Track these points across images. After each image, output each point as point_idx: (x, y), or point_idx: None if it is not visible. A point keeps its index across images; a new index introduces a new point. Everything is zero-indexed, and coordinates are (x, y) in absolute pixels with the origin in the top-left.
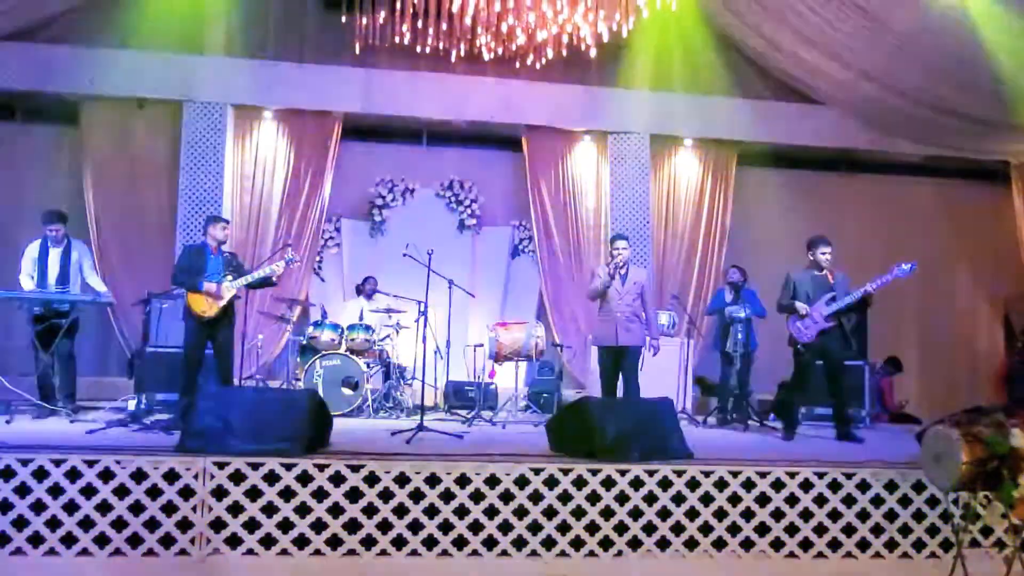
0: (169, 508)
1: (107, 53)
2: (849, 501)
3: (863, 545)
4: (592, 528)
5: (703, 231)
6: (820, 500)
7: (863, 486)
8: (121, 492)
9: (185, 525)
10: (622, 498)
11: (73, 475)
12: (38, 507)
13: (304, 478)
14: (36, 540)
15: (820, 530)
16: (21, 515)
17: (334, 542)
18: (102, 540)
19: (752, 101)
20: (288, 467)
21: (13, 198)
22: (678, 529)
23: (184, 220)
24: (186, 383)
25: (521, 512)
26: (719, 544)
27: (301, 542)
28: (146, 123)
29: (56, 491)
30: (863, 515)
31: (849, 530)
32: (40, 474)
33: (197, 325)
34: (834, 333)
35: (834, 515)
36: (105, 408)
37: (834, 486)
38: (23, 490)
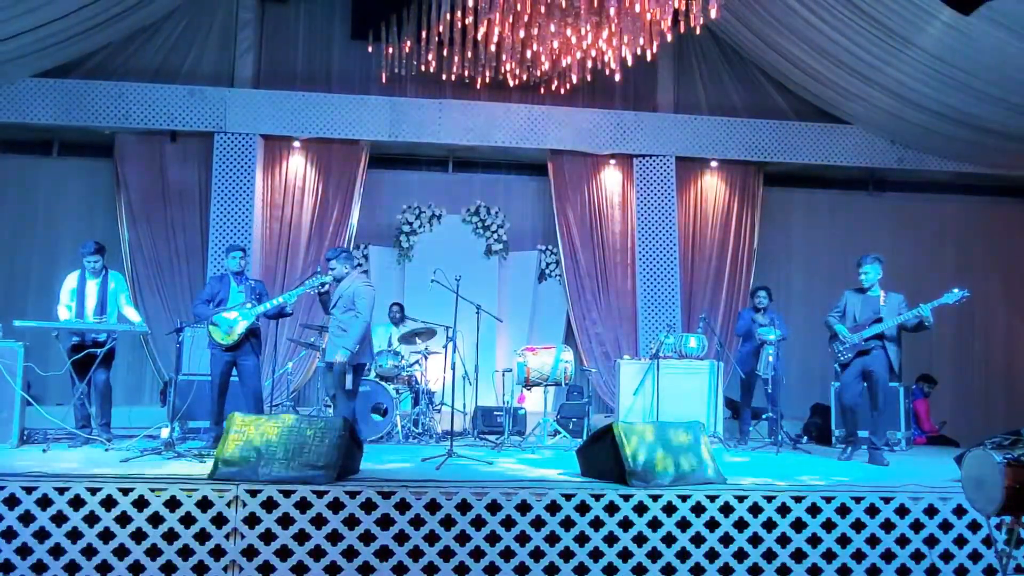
0: (202, 536)
1: (140, 87)
2: (888, 526)
3: (903, 572)
4: (625, 555)
5: (731, 253)
6: (858, 525)
7: (902, 511)
8: (155, 520)
9: (218, 553)
10: (655, 524)
11: (108, 503)
12: (74, 535)
13: (335, 505)
14: (72, 568)
15: (858, 556)
16: (58, 543)
17: (365, 570)
18: (136, 568)
19: (778, 122)
20: (319, 494)
21: (50, 230)
22: (712, 556)
23: (215, 249)
24: (215, 410)
25: (553, 539)
26: (755, 571)
27: (333, 570)
28: (178, 155)
29: (92, 519)
30: (902, 541)
31: (888, 556)
32: (76, 503)
33: (219, 353)
34: (876, 355)
35: (872, 541)
36: (139, 436)
37: (871, 511)
38: (59, 518)
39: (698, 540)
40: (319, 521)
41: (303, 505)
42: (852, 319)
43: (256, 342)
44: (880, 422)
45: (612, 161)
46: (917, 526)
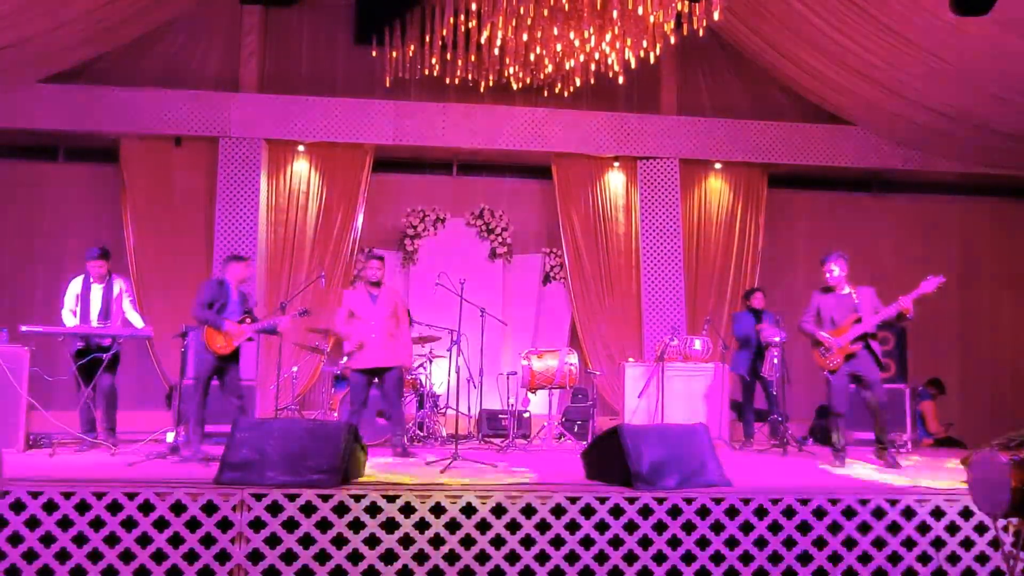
0: (208, 540)
1: (145, 93)
2: (894, 528)
3: (909, 574)
4: (630, 558)
5: (735, 255)
6: (863, 528)
7: (908, 513)
8: (161, 524)
9: (223, 557)
10: (660, 527)
11: (114, 508)
12: (79, 540)
13: (340, 509)
14: (78, 573)
15: (865, 559)
16: (64, 548)
17: (371, 573)
18: (142, 572)
19: (782, 123)
20: (324, 498)
21: (56, 235)
22: (718, 559)
23: (220, 253)
24: (198, 414)
25: (558, 542)
26: (760, 574)
27: (338, 574)
28: (183, 159)
29: (97, 524)
30: (908, 543)
31: (895, 558)
32: (82, 507)
33: (209, 357)
34: (861, 355)
35: (879, 543)
36: (145, 440)
37: (878, 513)
38: (65, 523)
39: (703, 543)
40: (324, 525)
41: (308, 509)
42: (830, 321)
43: (237, 351)
44: (884, 423)
45: (616, 164)
46: (923, 528)
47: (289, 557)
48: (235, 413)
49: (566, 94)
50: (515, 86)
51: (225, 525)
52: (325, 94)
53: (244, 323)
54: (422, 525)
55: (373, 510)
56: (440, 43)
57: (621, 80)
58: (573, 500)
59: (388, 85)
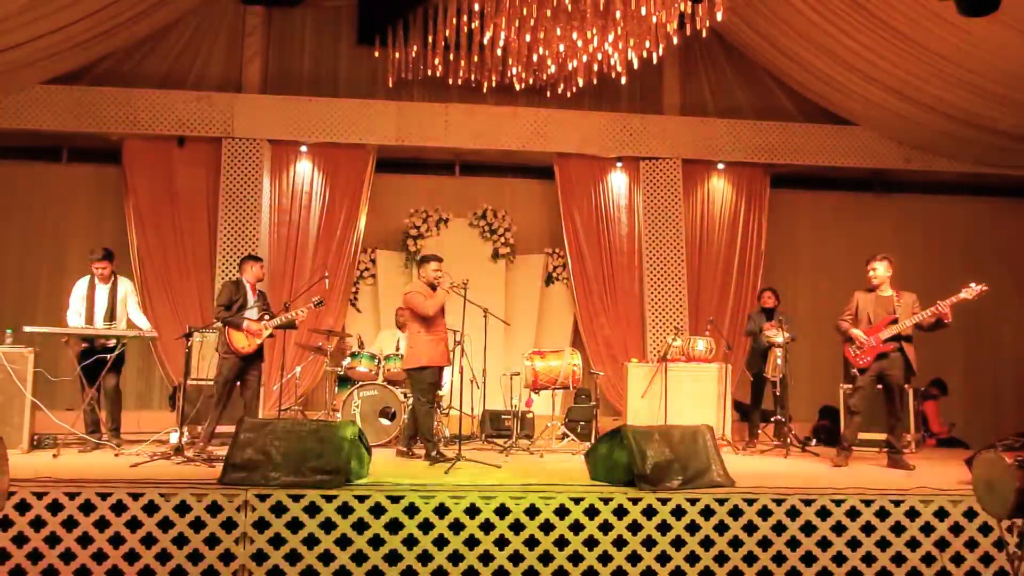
0: (212, 540)
1: (148, 93)
2: (898, 529)
3: (914, 575)
4: (634, 558)
5: (738, 255)
6: (868, 528)
7: (912, 513)
8: (165, 525)
9: (228, 557)
10: (664, 527)
11: (118, 508)
12: (84, 540)
13: (344, 510)
14: (83, 573)
15: (869, 559)
16: (68, 548)
17: (375, 574)
18: (147, 573)
19: (784, 123)
20: (328, 499)
21: (59, 236)
22: (722, 559)
23: (223, 254)
24: (217, 413)
25: (562, 542)
26: (764, 575)
27: (342, 574)
28: (186, 160)
29: (102, 524)
30: (913, 543)
31: (899, 559)
32: (86, 507)
33: (234, 360)
34: (893, 357)
35: (883, 543)
36: (149, 441)
37: (882, 513)
38: (70, 523)
39: (707, 543)
40: (328, 525)
41: (312, 509)
42: (867, 320)
43: (263, 353)
44: (899, 426)
45: (619, 164)
46: (928, 529)
47: (293, 557)
48: (246, 412)
49: (569, 95)
50: (518, 87)
51: (229, 525)
52: (328, 94)
53: (262, 320)
54: (426, 526)
55: (377, 511)
56: (443, 43)
57: (624, 80)
58: (576, 500)
59: (391, 85)
